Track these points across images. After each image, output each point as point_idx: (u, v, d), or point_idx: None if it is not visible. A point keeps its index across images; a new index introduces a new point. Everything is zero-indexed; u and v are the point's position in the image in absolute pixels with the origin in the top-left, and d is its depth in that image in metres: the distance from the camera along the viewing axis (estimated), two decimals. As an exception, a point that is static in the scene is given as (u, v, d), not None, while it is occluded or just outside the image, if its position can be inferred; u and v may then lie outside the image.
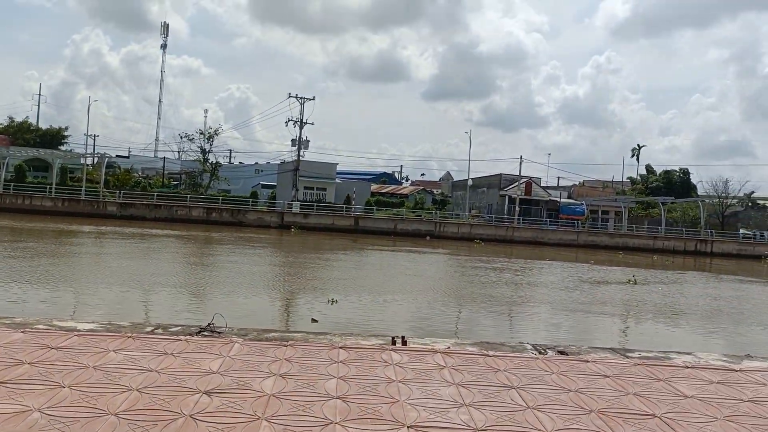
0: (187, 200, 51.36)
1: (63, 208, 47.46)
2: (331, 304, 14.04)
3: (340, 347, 4.67)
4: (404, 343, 4.96)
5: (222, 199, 53.26)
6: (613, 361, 4.86)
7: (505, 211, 58.64)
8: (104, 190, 51.22)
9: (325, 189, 59.00)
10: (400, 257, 31.17)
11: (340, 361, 4.33)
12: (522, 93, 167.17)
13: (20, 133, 76.05)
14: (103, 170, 54.31)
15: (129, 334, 4.60)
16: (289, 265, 23.99)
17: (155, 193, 52.52)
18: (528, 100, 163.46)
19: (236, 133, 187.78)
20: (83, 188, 50.17)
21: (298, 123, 54.40)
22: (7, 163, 52.05)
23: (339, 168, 66.42)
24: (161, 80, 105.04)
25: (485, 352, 4.84)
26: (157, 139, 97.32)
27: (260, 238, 38.22)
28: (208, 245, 32.22)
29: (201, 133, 58.69)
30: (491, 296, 17.63)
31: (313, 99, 55.25)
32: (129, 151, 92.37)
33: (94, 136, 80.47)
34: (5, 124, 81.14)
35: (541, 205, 61.74)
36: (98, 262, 20.66)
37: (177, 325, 5.10)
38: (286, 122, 54.61)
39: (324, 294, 15.53)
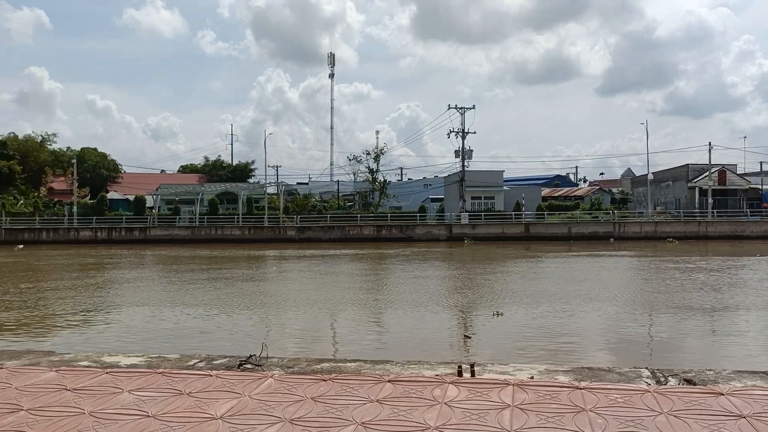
0: (358, 219, 52.93)
1: (249, 236, 51.26)
2: (496, 317, 13.28)
3: (389, 381, 3.85)
4: (473, 373, 4.00)
5: (390, 216, 54.15)
6: (761, 393, 3.49)
7: (696, 205, 52.79)
8: (284, 216, 54.50)
9: (492, 197, 57.58)
10: (577, 263, 29.05)
11: (377, 400, 3.53)
12: (711, 75, 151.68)
13: (214, 170, 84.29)
14: (281, 198, 57.98)
15: (160, 371, 4.19)
16: (457, 278, 23.26)
17: (328, 215, 54.83)
18: (718, 82, 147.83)
19: (410, 151, 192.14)
20: (265, 216, 53.83)
21: (460, 133, 53.79)
22: (203, 199, 57.61)
23: (511, 175, 64.66)
24: (331, 108, 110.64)
25: (575, 383, 3.74)
26: (331, 164, 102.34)
27: (431, 252, 38.01)
28: (380, 262, 32.59)
29: (367, 154, 60.48)
30: (688, 305, 15.12)
31: (473, 108, 54.33)
32: (309, 178, 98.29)
33: (277, 167, 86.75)
34: (202, 164, 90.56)
35: (739, 194, 54.76)
36: (282, 285, 21.54)
37: (225, 357, 4.63)
38: (448, 134, 54.29)
39: (491, 306, 14.79)
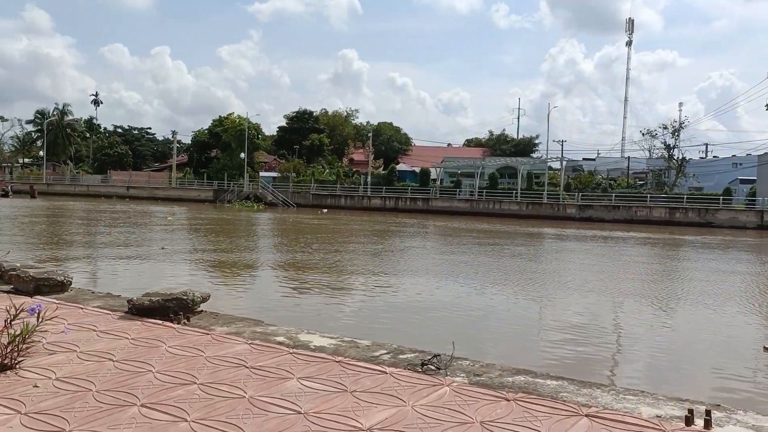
0: (647, 200, 48.41)
1: (527, 212, 50.50)
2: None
3: (586, 415, 3.01)
4: (707, 424, 2.92)
5: (687, 198, 48.39)
6: None
7: None
8: (564, 193, 52.42)
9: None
10: None
11: (558, 444, 2.74)
12: None
13: (498, 144, 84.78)
14: (562, 174, 55.78)
15: (339, 359, 3.92)
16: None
17: (613, 194, 51.15)
18: None
19: (719, 125, 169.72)
20: (545, 192, 52.38)
21: (783, 103, 45.38)
22: (483, 172, 58.36)
23: None
24: (627, 78, 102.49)
25: None
26: (623, 139, 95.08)
27: (736, 241, 33.03)
28: (675, 248, 29.34)
29: (664, 128, 54.76)
30: None
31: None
32: (597, 154, 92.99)
33: (562, 141, 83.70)
34: (487, 137, 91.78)
35: None
36: (556, 264, 20.76)
37: (415, 351, 4.18)
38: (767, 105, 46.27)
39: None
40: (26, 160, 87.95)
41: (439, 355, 3.92)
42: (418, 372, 3.72)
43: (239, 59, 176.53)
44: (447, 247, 26.00)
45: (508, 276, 16.68)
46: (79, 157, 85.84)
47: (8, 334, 3.63)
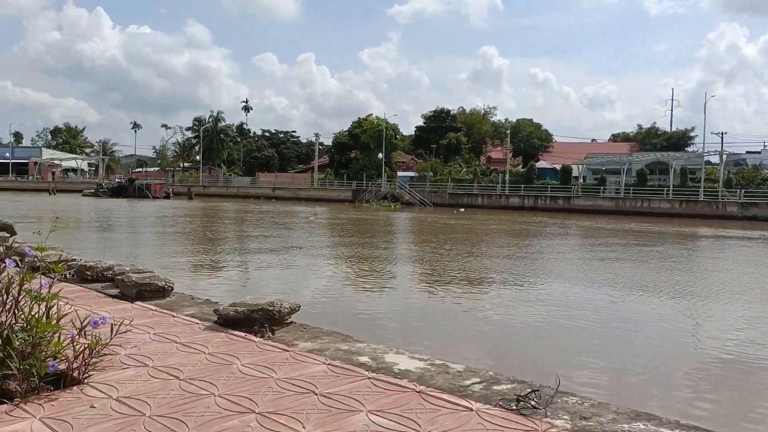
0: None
1: (679, 210, 46.60)
2: None
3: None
4: None
5: None
6: None
7: None
8: (724, 189, 47.73)
9: None
10: None
11: None
12: None
13: (647, 138, 79.26)
14: (722, 168, 50.86)
15: (420, 389, 3.40)
16: None
17: (785, 190, 45.79)
18: None
19: None
20: (701, 189, 48.05)
21: None
22: (630, 169, 54.71)
23: None
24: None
25: None
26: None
27: None
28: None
29: None
30: None
31: None
32: (764, 146, 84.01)
33: (722, 133, 76.50)
34: (635, 131, 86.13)
35: None
36: (716, 274, 18.82)
37: (515, 381, 3.55)
38: None
39: None
40: (186, 164, 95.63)
41: (538, 390, 3.27)
42: (512, 410, 3.11)
43: (380, 61, 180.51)
44: (587, 249, 24.40)
45: (657, 283, 15.14)
46: (231, 160, 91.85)
47: (73, 348, 3.50)
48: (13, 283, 3.55)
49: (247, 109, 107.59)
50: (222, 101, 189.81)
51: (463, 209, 52.29)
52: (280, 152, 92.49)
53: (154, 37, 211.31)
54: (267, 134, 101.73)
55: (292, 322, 4.86)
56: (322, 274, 15.62)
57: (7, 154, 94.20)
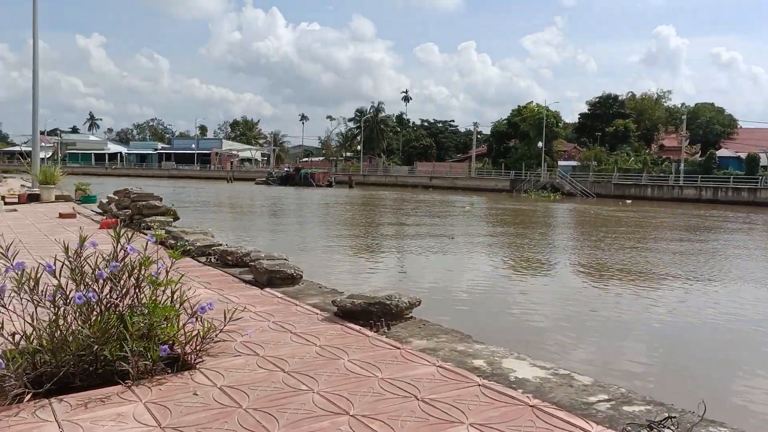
0: None
1: None
2: None
3: None
4: None
5: None
6: None
7: None
8: None
9: None
10: None
11: None
12: None
13: None
14: None
15: (533, 403, 3.02)
16: None
17: None
18: None
19: None
20: None
21: None
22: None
23: None
24: None
25: None
26: None
27: None
28: None
29: None
30: None
31: None
32: None
33: None
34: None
35: None
36: None
37: (646, 401, 3.03)
38: None
39: None
40: (348, 153, 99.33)
41: (674, 416, 2.76)
42: (640, 440, 2.64)
43: (543, 47, 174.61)
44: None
45: None
46: (391, 150, 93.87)
47: (185, 334, 3.56)
48: (143, 266, 3.69)
49: (406, 99, 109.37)
50: (383, 92, 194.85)
51: (629, 201, 48.97)
52: (438, 142, 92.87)
53: (323, 33, 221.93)
54: (426, 124, 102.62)
55: (411, 317, 4.65)
56: (468, 265, 15.30)
57: (193, 146, 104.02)
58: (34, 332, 3.32)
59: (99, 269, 3.48)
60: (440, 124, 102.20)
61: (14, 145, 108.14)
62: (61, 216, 12.32)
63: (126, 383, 3.23)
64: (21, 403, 2.98)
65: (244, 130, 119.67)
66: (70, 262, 3.55)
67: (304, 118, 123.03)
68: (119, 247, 3.63)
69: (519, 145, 71.76)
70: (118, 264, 3.47)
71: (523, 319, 9.62)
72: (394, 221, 29.90)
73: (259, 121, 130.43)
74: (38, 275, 3.36)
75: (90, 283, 3.46)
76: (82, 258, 3.57)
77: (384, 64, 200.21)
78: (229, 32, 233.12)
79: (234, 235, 20.22)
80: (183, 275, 4.08)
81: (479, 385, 3.28)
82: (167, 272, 3.71)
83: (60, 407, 2.97)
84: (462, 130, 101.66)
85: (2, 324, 3.31)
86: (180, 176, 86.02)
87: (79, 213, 13.25)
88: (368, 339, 4.09)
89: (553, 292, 12.06)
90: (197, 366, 3.54)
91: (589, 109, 77.35)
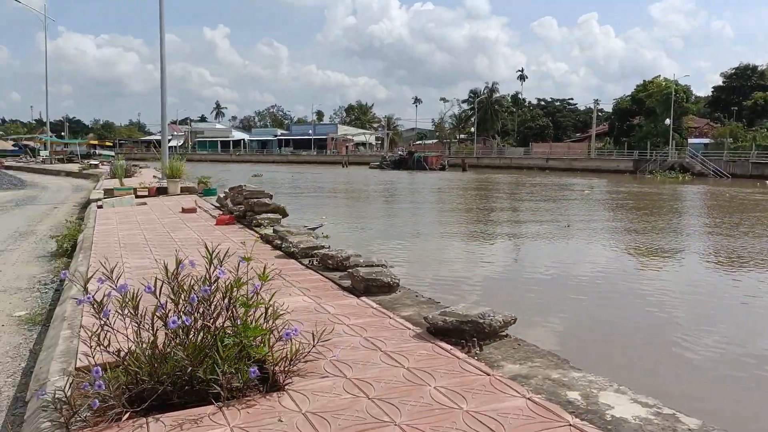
0: None
1: None
2: None
3: None
4: None
5: None
6: None
7: None
8: None
9: None
10: None
11: None
12: None
13: None
14: None
15: (629, 452, 2.78)
16: None
17: None
18: None
19: None
20: None
21: None
22: None
23: None
24: None
25: None
26: None
27: None
28: None
29: None
30: None
31: None
32: None
33: None
34: None
35: None
36: None
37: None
38: None
39: None
40: (461, 135, 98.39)
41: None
42: None
43: (672, 15, 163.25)
44: None
45: None
46: (505, 131, 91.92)
47: (272, 356, 3.63)
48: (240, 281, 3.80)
49: (522, 78, 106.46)
50: (499, 71, 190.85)
51: (768, 181, 44.94)
52: (555, 121, 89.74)
53: (437, 13, 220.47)
54: (542, 103, 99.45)
55: (506, 335, 4.48)
56: (583, 258, 14.65)
57: (310, 131, 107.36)
58: (137, 350, 3.52)
59: (193, 290, 3.62)
60: (558, 103, 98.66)
61: (150, 134, 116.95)
62: (183, 211, 13.10)
63: (218, 404, 3.35)
64: (120, 422, 3.16)
65: (358, 114, 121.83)
66: (169, 282, 3.72)
67: (417, 100, 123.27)
68: (212, 268, 3.75)
69: (644, 123, 67.74)
70: (208, 288, 3.58)
71: (636, 334, 8.97)
72: (507, 206, 29.29)
73: (373, 104, 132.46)
74: (138, 298, 3.54)
75: (184, 304, 3.61)
76: (179, 278, 3.73)
77: (499, 41, 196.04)
78: (343, 17, 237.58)
79: (347, 222, 20.65)
80: (275, 293, 4.17)
81: (569, 425, 3.08)
82: (257, 294, 3.80)
83: (156, 427, 3.12)
84: (581, 108, 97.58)
85: (109, 341, 3.53)
86: (297, 161, 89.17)
87: (199, 207, 14.04)
88: (458, 362, 3.98)
89: (683, 297, 11.18)
90: (287, 387, 3.59)
91: (723, 82, 71.68)
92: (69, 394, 3.29)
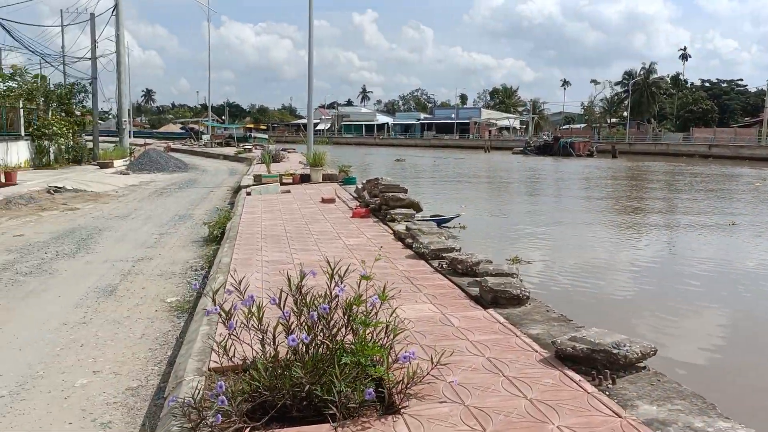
0: None
1: None
2: None
3: None
4: None
5: None
6: None
7: None
8: None
9: None
10: None
11: None
12: None
13: None
14: None
15: None
16: None
17: None
18: None
19: None
20: None
21: None
22: None
23: None
24: None
25: None
26: None
27: None
28: None
29: None
30: None
31: None
32: None
33: None
34: None
35: None
36: None
37: None
38: None
39: None
40: (612, 120, 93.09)
41: None
42: None
43: None
44: None
45: None
46: (663, 114, 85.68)
47: (387, 376, 3.56)
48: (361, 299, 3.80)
49: (684, 57, 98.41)
50: (658, 49, 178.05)
51: None
52: (721, 104, 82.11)
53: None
54: (706, 84, 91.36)
55: (644, 367, 4.10)
56: (751, 262, 13.22)
57: (453, 115, 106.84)
58: (258, 363, 3.62)
59: (314, 305, 3.66)
60: (724, 84, 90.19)
61: (301, 117, 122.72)
62: (323, 201, 13.53)
63: (334, 424, 3.35)
64: (241, 433, 3.26)
65: (503, 97, 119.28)
66: (293, 294, 3.79)
67: (566, 83, 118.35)
68: (333, 284, 3.76)
69: (828, 106, 60.06)
70: (327, 307, 3.58)
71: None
72: (661, 197, 27.33)
73: (518, 88, 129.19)
74: (263, 311, 3.63)
75: (306, 319, 3.65)
76: (302, 291, 3.78)
77: (659, 17, 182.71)
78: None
79: (487, 213, 20.28)
80: (396, 308, 4.12)
81: (711, 491, 2.73)
82: (376, 312, 3.75)
83: (272, 443, 3.18)
84: (752, 89, 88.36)
85: (235, 350, 3.67)
86: (439, 145, 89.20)
87: (338, 197, 14.42)
88: (587, 396, 3.69)
89: None
90: (402, 411, 3.52)
91: None
92: (198, 398, 3.46)
